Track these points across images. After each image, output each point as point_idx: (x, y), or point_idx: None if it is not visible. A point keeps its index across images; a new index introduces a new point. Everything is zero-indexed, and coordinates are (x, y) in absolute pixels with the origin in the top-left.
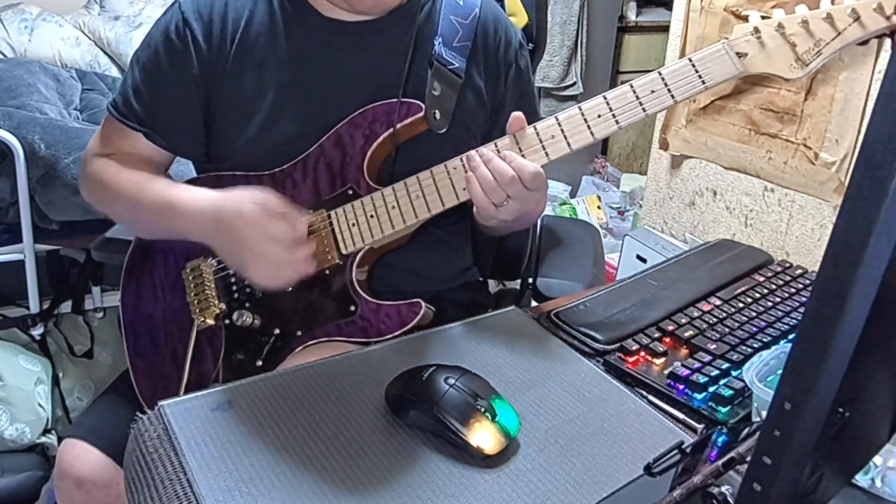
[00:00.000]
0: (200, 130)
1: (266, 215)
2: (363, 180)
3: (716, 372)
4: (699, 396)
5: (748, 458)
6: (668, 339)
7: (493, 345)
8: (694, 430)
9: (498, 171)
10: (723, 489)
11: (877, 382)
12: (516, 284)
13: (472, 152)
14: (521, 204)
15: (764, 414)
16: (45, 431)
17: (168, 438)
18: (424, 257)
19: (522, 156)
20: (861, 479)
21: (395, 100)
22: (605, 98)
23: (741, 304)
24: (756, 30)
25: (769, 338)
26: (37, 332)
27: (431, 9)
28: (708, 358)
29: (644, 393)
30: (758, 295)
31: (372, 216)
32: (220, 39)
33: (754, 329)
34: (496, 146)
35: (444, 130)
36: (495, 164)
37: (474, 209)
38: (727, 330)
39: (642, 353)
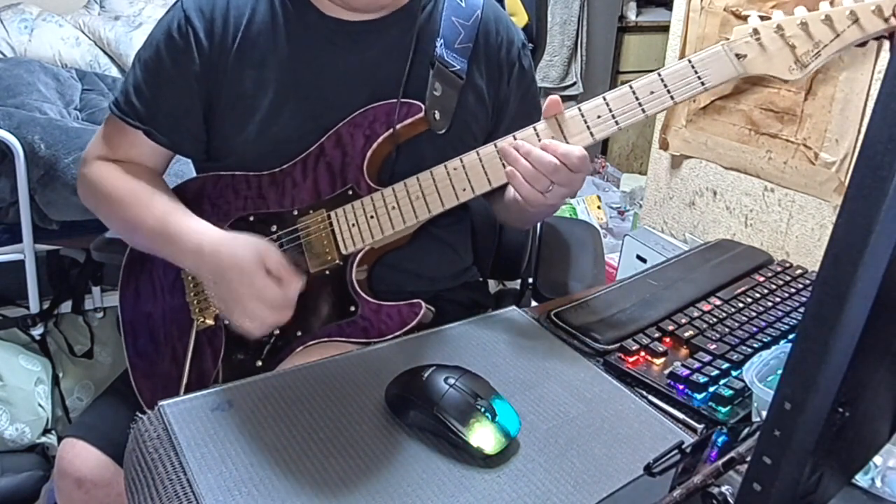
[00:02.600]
0: (201, 128)
1: (262, 273)
2: (363, 180)
3: (716, 372)
4: (699, 396)
5: (748, 458)
6: (668, 339)
7: (493, 345)
8: (694, 430)
9: (538, 161)
10: (723, 489)
11: (877, 382)
12: (516, 284)
13: (505, 146)
14: (567, 187)
15: (764, 414)
16: (45, 431)
17: (168, 438)
18: (424, 257)
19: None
20: (861, 479)
21: (396, 100)
22: (604, 99)
23: (741, 304)
24: (755, 31)
25: (769, 338)
26: (37, 332)
27: (433, 10)
28: (708, 358)
29: (644, 393)
30: (758, 295)
31: (372, 216)
32: (221, 37)
33: (754, 329)
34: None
35: (444, 131)
36: (535, 155)
37: (512, 195)
38: (727, 330)
39: (642, 353)
